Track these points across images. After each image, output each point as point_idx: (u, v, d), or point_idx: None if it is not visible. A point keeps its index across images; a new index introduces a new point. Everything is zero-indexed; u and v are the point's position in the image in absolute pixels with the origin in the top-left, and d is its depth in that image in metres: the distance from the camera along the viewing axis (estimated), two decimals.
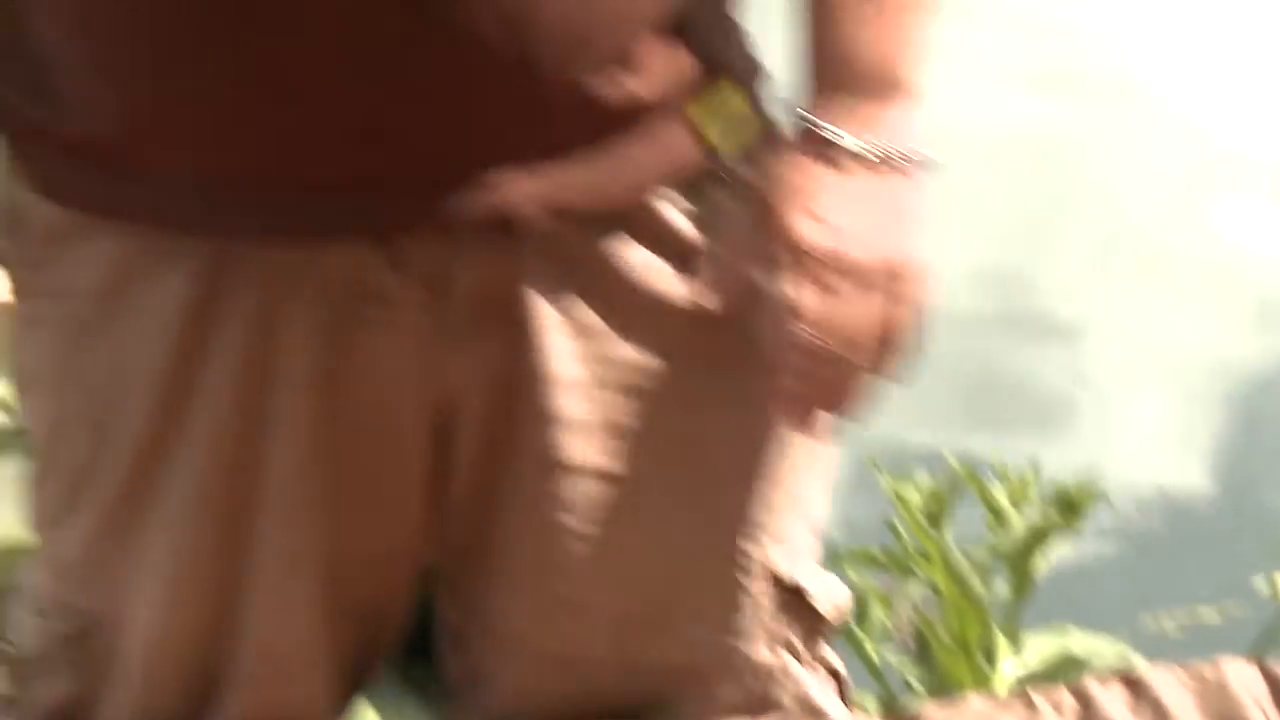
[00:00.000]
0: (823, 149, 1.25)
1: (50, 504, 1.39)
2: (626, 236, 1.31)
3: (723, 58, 1.33)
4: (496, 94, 1.21)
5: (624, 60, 1.25)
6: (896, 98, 1.25)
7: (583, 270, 1.30)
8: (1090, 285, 4.42)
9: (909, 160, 1.25)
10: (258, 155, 1.21)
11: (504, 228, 1.25)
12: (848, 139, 1.24)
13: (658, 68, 1.28)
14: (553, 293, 1.30)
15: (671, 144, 1.31)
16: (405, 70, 1.18)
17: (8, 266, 1.37)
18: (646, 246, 1.31)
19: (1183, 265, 4.58)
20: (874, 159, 1.25)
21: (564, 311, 1.30)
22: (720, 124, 1.32)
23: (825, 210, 1.23)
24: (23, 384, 1.39)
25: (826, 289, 1.22)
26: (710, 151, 1.32)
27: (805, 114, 1.26)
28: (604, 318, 1.31)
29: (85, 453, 1.34)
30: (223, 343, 1.28)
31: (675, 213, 1.32)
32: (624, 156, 1.28)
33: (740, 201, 1.31)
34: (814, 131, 1.25)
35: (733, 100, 1.34)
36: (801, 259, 1.23)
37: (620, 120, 1.27)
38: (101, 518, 1.35)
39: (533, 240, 1.27)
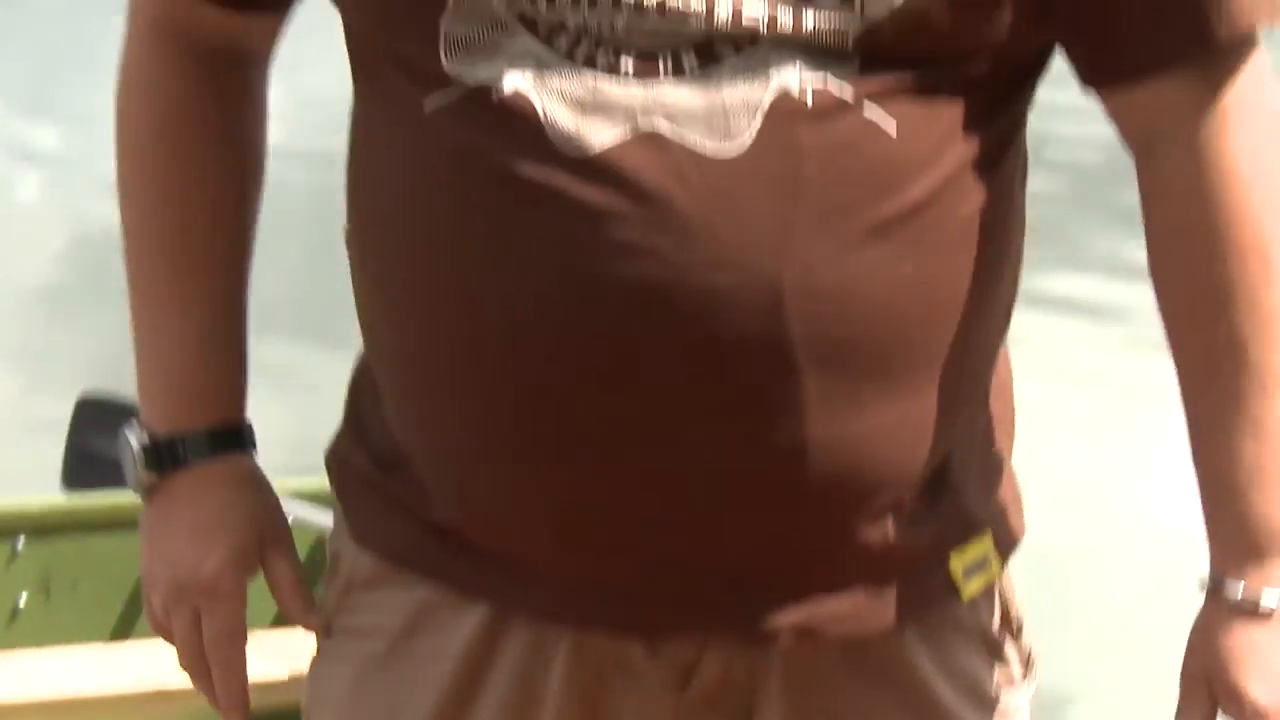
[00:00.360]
0: (1246, 610, 1.38)
1: None
2: (863, 664, 1.45)
3: (985, 512, 1.47)
4: (797, 533, 1.40)
5: (897, 510, 1.41)
6: None
7: (815, 687, 1.44)
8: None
9: None
10: (580, 561, 1.41)
11: (758, 643, 1.43)
12: (1268, 596, 1.38)
13: (925, 518, 1.43)
14: (785, 699, 1.44)
15: (926, 587, 1.45)
16: (740, 509, 1.39)
17: (322, 610, 1.57)
18: (877, 678, 1.45)
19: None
20: None
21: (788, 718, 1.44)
22: (975, 575, 1.46)
23: (1269, 670, 1.37)
24: (312, 710, 1.56)
25: None
26: (959, 598, 1.46)
27: (1221, 578, 1.39)
28: None
29: None
30: (491, 688, 1.46)
31: (913, 649, 1.45)
32: (879, 594, 1.43)
33: (973, 644, 1.48)
34: (1232, 596, 1.39)
35: (989, 554, 1.48)
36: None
37: (884, 563, 1.42)
38: None
39: (779, 650, 1.44)
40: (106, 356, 5.43)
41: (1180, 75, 1.39)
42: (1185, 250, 1.41)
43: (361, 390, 1.54)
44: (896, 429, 1.40)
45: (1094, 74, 1.42)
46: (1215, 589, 1.40)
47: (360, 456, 1.52)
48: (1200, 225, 1.40)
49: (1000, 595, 1.52)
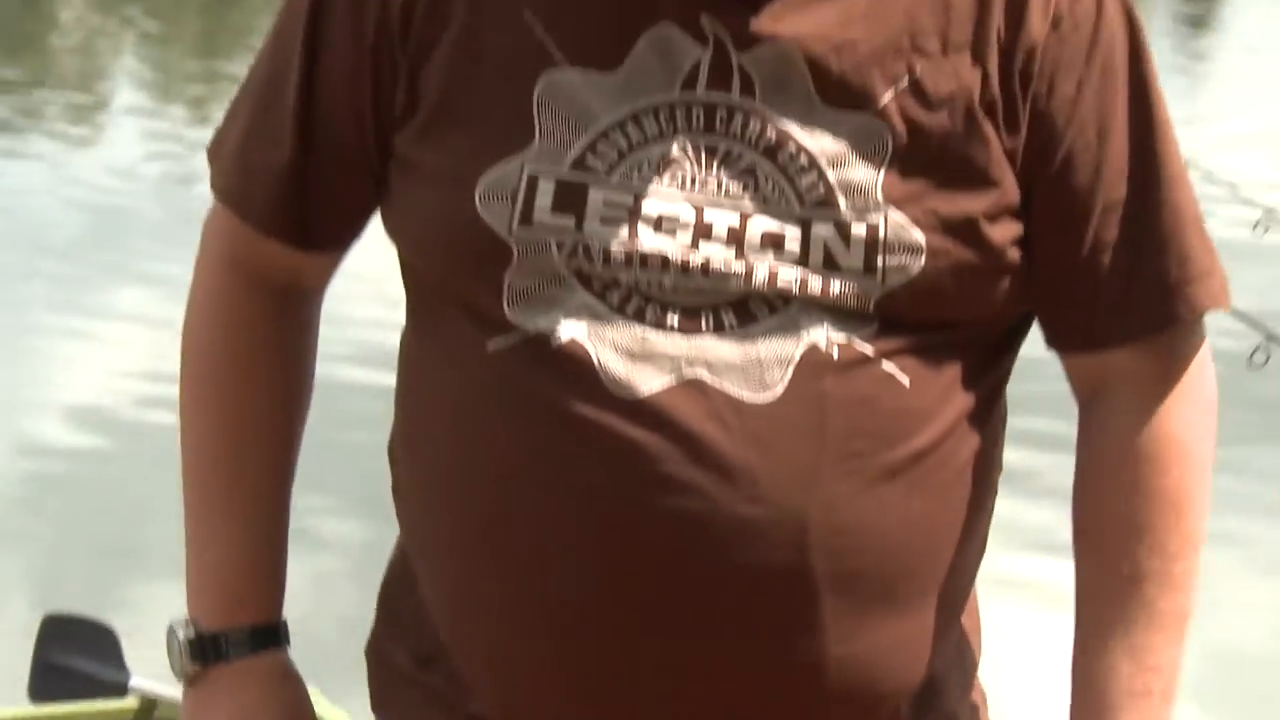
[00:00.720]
0: None
1: None
2: None
3: (964, 712, 1.66)
4: None
5: (895, 715, 1.59)
6: None
7: None
8: None
9: None
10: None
11: None
12: None
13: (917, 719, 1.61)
14: None
15: None
16: (763, 717, 1.56)
17: None
18: None
19: None
20: None
21: None
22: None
23: None
24: None
25: None
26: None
27: None
28: None
29: None
30: None
31: None
32: None
33: None
34: None
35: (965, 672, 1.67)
36: None
37: None
38: None
39: None
40: (45, 572, 5.54)
41: (1139, 346, 1.58)
42: (1112, 491, 1.58)
43: (397, 585, 1.68)
44: (901, 645, 1.56)
45: (1060, 340, 1.60)
46: None
47: (400, 653, 1.66)
48: (1130, 473, 1.58)
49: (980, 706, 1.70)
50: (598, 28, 1.52)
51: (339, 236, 1.67)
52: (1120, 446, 1.58)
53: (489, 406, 1.53)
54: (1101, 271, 1.56)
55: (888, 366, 1.52)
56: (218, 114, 1.82)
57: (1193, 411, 1.59)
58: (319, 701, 5.10)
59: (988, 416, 1.59)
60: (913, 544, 1.54)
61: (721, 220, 1.50)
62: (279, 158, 1.62)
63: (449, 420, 1.57)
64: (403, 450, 1.64)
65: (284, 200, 1.63)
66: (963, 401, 1.56)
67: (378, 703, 1.71)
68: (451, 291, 1.57)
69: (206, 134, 1.76)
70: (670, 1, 1.51)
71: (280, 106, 1.62)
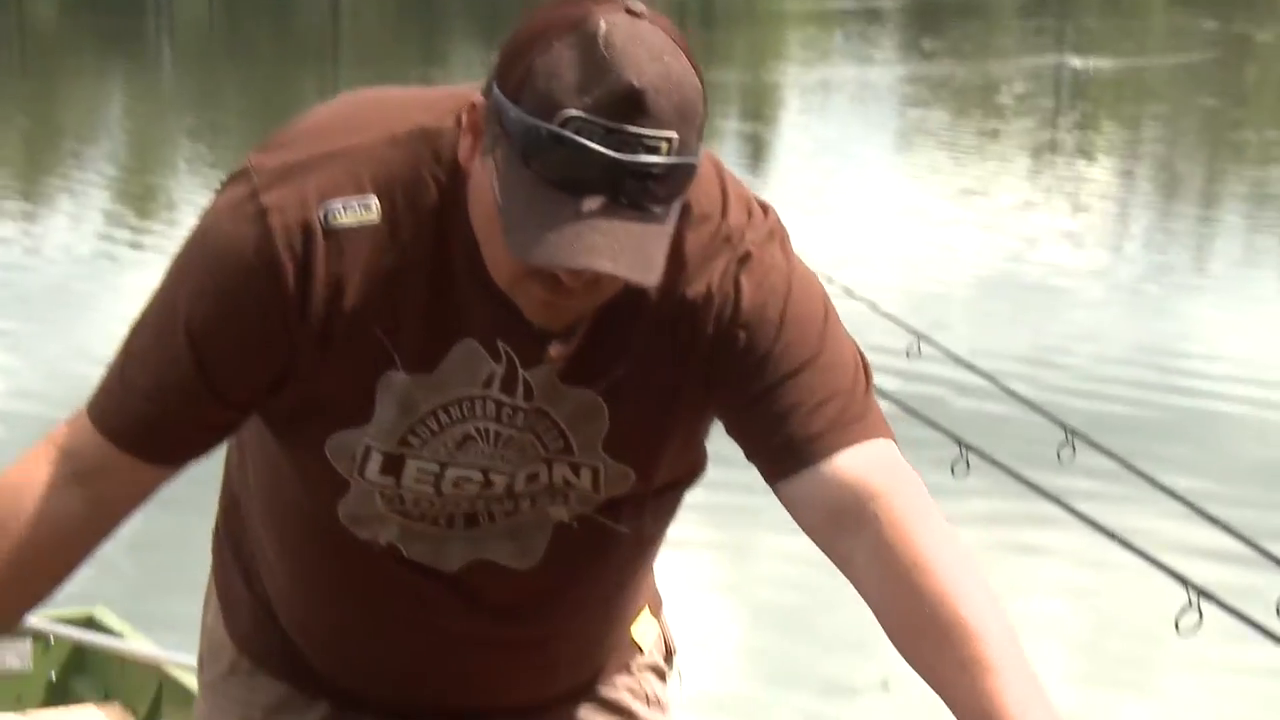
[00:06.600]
0: None
1: None
2: (593, 701, 2.24)
3: (646, 597, 2.27)
4: (532, 690, 2.19)
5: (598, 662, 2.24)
6: None
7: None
8: None
9: None
10: (387, 695, 2.16)
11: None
12: None
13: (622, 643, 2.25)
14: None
15: (621, 657, 2.25)
16: (486, 670, 2.15)
17: (201, 671, 2.26)
18: (600, 709, 2.24)
19: None
20: None
21: None
22: (647, 633, 2.27)
23: None
24: None
25: None
26: (641, 651, 2.26)
27: None
28: None
29: None
30: None
31: (618, 687, 2.24)
32: (588, 683, 2.23)
33: (652, 674, 2.29)
34: None
35: (650, 617, 2.27)
36: None
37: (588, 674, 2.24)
38: None
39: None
40: None
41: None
42: (906, 594, 1.88)
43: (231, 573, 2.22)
44: (603, 636, 2.23)
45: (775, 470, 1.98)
46: None
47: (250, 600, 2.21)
48: (902, 589, 1.88)
49: (662, 635, 2.31)
50: (423, 340, 1.94)
51: (188, 457, 2.00)
52: (881, 574, 1.89)
53: (327, 545, 2.07)
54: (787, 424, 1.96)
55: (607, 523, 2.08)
56: None
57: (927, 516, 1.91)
58: (107, 617, 5.71)
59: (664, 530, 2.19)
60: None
61: (500, 478, 2.00)
62: (162, 391, 1.94)
63: (300, 534, 2.10)
64: (261, 514, 2.15)
65: (147, 422, 1.95)
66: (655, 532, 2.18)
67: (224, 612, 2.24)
68: (298, 488, 2.06)
69: None
70: (476, 325, 1.93)
71: (171, 362, 1.95)
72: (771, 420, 1.93)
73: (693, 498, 2.14)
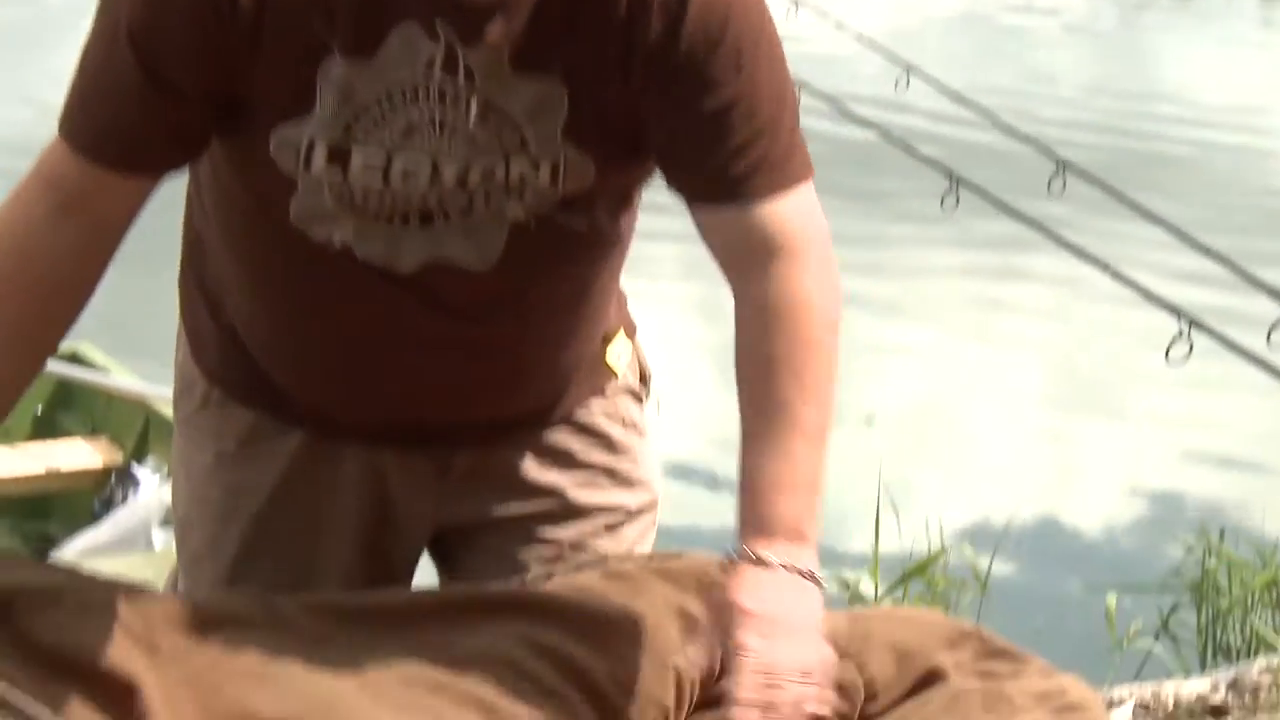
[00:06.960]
0: (752, 560, 1.89)
1: (190, 551, 2.28)
2: (573, 424, 2.26)
3: (620, 321, 2.29)
4: (501, 405, 2.20)
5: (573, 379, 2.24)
6: (802, 543, 1.90)
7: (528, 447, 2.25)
8: None
9: (811, 576, 1.89)
10: (358, 416, 2.18)
11: (490, 448, 2.23)
12: (774, 557, 1.89)
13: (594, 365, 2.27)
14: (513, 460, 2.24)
15: (597, 378, 2.27)
16: (452, 378, 2.15)
17: (176, 408, 2.29)
18: (579, 431, 2.26)
19: None
20: (789, 570, 1.88)
21: (512, 465, 2.24)
22: (621, 356, 2.29)
23: (758, 592, 1.87)
24: (179, 472, 2.31)
25: (765, 637, 1.84)
26: (615, 375, 2.29)
27: (745, 549, 1.90)
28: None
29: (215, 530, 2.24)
30: (311, 475, 2.20)
31: (595, 411, 2.27)
32: (567, 398, 2.25)
33: (628, 396, 2.32)
34: (748, 556, 1.90)
35: (623, 338, 2.30)
36: (745, 621, 1.85)
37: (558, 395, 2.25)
38: (226, 567, 2.23)
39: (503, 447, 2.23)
40: None
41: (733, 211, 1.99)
42: (759, 337, 1.99)
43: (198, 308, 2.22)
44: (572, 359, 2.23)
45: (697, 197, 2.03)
46: (740, 554, 1.91)
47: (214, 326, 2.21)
48: (771, 322, 1.98)
49: (637, 358, 2.33)
50: (359, 24, 1.92)
51: (161, 165, 1.99)
52: (759, 309, 1.99)
53: (284, 252, 2.07)
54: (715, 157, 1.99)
55: (562, 222, 2.06)
56: None
57: (817, 273, 2.00)
58: (92, 352, 5.73)
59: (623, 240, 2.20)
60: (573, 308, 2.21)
61: (450, 169, 1.98)
62: (119, 100, 1.95)
63: (257, 246, 2.10)
64: (220, 236, 2.14)
65: (113, 131, 1.95)
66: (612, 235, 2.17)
67: (191, 345, 2.26)
68: (248, 192, 2.06)
69: None
70: (413, 5, 1.92)
71: (121, 71, 1.94)
72: (695, 153, 1.98)
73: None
